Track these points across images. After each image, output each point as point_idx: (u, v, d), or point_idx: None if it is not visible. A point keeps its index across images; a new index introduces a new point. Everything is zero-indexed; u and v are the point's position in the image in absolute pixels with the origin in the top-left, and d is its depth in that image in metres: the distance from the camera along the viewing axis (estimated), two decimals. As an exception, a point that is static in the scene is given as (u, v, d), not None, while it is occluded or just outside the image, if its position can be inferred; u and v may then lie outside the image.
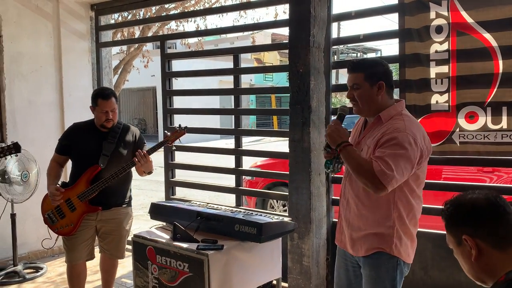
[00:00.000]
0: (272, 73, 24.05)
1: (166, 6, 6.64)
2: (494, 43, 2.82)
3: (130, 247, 2.98)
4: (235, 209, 3.23)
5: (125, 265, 4.11)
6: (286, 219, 2.86)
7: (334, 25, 3.65)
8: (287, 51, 3.58)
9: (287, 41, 3.61)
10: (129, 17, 7.06)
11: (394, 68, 3.92)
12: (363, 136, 2.20)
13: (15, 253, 4.26)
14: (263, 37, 21.18)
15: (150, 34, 7.18)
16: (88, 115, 3.25)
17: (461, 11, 2.90)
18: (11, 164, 4.12)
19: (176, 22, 8.05)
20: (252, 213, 2.90)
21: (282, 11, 7.72)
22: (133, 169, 3.18)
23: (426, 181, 2.19)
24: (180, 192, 4.95)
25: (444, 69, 2.99)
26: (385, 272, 2.11)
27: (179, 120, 3.30)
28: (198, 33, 6.16)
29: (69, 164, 3.31)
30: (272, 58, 25.55)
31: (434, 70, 3.03)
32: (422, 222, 2.30)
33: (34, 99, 4.68)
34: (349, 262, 2.28)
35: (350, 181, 2.20)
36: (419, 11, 3.04)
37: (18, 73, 4.57)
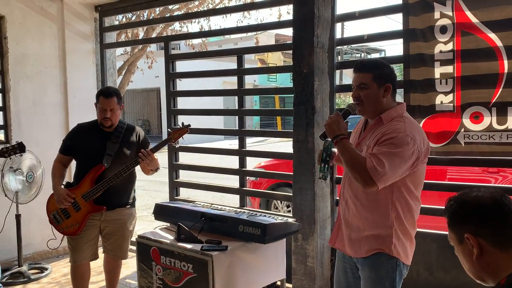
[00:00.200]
0: (275, 74, 24.06)
1: (170, 7, 6.65)
2: (499, 43, 2.81)
3: (134, 247, 2.98)
4: (239, 210, 3.22)
5: (129, 266, 4.11)
6: (290, 220, 2.85)
7: (338, 26, 3.64)
8: (291, 51, 3.58)
9: (290, 42, 3.61)
10: (133, 18, 7.07)
11: (398, 68, 3.92)
12: (363, 137, 2.21)
13: (20, 253, 4.28)
14: (267, 38, 21.16)
15: (154, 35, 7.19)
16: (93, 116, 3.27)
17: (465, 11, 2.88)
18: (26, 161, 4.13)
19: (180, 23, 8.07)
20: (256, 214, 2.89)
21: (286, 12, 7.72)
22: (138, 170, 3.19)
23: (430, 181, 2.19)
24: (184, 192, 4.96)
25: (449, 69, 2.98)
26: (384, 273, 2.11)
27: (183, 121, 3.30)
28: (202, 34, 6.18)
29: (73, 164, 3.32)
30: (276, 58, 25.55)
31: (438, 70, 3.01)
32: (427, 223, 2.30)
33: (39, 100, 4.70)
34: (348, 264, 2.29)
35: (349, 181, 2.21)
36: (423, 11, 3.03)
37: (23, 74, 4.59)
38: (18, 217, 4.23)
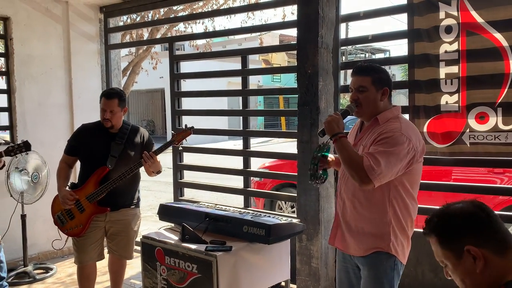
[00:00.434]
0: (280, 74, 24.04)
1: (175, 8, 6.66)
2: (504, 43, 2.79)
3: (139, 248, 2.98)
4: (244, 210, 3.22)
5: (133, 266, 4.12)
6: (294, 220, 2.85)
7: (343, 26, 3.64)
8: (295, 52, 3.57)
9: (295, 42, 3.61)
10: (137, 19, 7.09)
11: (403, 68, 3.88)
12: (360, 138, 2.27)
13: (25, 253, 4.30)
14: (271, 38, 21.18)
15: (158, 36, 7.20)
16: (98, 117, 3.27)
17: (471, 11, 2.87)
18: (32, 161, 4.15)
19: (184, 24, 8.08)
20: (260, 215, 2.89)
21: (290, 12, 7.71)
22: (143, 171, 3.20)
23: (435, 182, 2.19)
24: (188, 193, 4.96)
25: (454, 69, 2.96)
26: (383, 272, 2.16)
27: (188, 122, 3.31)
28: (206, 35, 6.19)
29: (78, 165, 3.33)
30: (280, 59, 25.54)
31: (443, 71, 3.00)
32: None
33: (44, 101, 4.72)
34: (349, 264, 2.33)
35: (347, 181, 2.26)
36: (428, 11, 3.02)
37: (28, 75, 4.61)
38: (23, 217, 4.26)
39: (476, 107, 2.91)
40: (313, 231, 3.46)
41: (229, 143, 15.60)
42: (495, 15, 2.80)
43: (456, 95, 2.97)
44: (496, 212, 1.35)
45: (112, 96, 3.13)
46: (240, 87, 4.22)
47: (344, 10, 3.55)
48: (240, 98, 4.24)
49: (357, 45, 23.25)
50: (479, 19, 2.85)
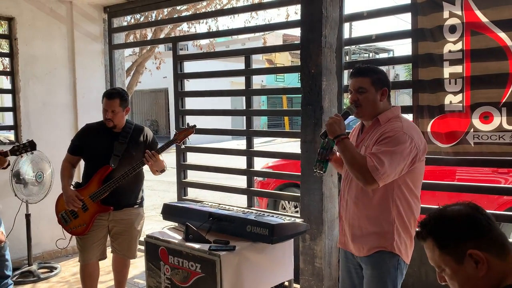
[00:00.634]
0: (283, 74, 24.02)
1: (178, 8, 6.68)
2: (509, 43, 2.78)
3: (142, 247, 2.99)
4: (247, 210, 3.22)
5: (137, 266, 4.13)
6: (298, 220, 2.85)
7: (346, 26, 3.63)
8: (298, 52, 3.57)
9: (298, 42, 3.61)
10: (141, 19, 7.12)
11: (407, 68, 3.88)
12: (361, 139, 2.28)
13: (29, 253, 4.32)
14: (275, 38, 21.15)
15: (162, 36, 7.22)
16: (101, 116, 3.28)
17: (475, 10, 2.86)
18: (25, 165, 4.17)
19: (188, 23, 8.11)
20: (264, 214, 2.89)
21: (294, 12, 7.74)
22: (147, 170, 3.21)
23: (439, 182, 2.19)
24: (192, 192, 4.97)
25: (458, 69, 2.95)
26: (386, 271, 2.16)
27: (191, 121, 3.31)
28: (209, 35, 6.19)
29: (82, 164, 3.34)
30: (284, 59, 25.53)
31: (447, 70, 2.99)
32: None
33: (48, 101, 4.74)
34: (351, 264, 2.33)
35: (350, 182, 2.26)
36: (432, 11, 3.01)
37: (33, 75, 4.63)
38: (28, 216, 4.28)
39: (480, 107, 2.90)
40: (317, 231, 3.46)
41: (232, 143, 15.61)
42: (500, 14, 2.79)
43: (460, 94, 2.96)
44: (500, 212, 1.34)
45: (113, 96, 3.14)
46: (243, 87, 4.22)
47: (348, 9, 3.55)
48: (244, 98, 4.24)
49: (360, 45, 23.23)
50: (483, 19, 2.84)
